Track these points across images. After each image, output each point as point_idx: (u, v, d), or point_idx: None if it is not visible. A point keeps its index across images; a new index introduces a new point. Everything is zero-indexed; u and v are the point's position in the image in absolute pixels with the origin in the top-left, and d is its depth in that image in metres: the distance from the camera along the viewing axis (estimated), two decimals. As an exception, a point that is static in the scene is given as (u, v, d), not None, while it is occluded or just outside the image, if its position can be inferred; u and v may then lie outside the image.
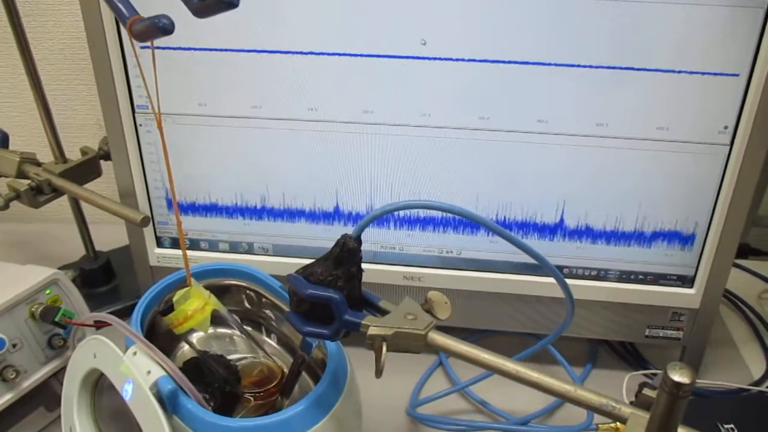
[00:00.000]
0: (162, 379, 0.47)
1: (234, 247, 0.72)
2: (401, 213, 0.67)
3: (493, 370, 0.41)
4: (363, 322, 0.43)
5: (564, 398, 0.39)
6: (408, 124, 0.63)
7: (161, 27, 0.37)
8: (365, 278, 0.45)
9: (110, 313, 0.76)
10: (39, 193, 0.72)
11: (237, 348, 0.61)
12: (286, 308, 0.56)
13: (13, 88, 0.96)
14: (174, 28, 0.38)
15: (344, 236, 0.44)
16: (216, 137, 0.66)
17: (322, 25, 0.59)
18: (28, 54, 0.71)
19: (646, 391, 0.38)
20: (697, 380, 0.37)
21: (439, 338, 0.42)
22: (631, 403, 0.39)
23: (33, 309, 0.60)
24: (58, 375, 0.62)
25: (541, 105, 0.60)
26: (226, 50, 0.61)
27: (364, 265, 0.45)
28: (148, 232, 0.71)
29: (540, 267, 0.45)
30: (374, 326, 0.42)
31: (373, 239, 0.69)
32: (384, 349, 0.42)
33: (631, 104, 0.59)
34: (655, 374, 0.71)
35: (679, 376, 0.33)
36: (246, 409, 0.55)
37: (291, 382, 0.54)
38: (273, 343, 0.62)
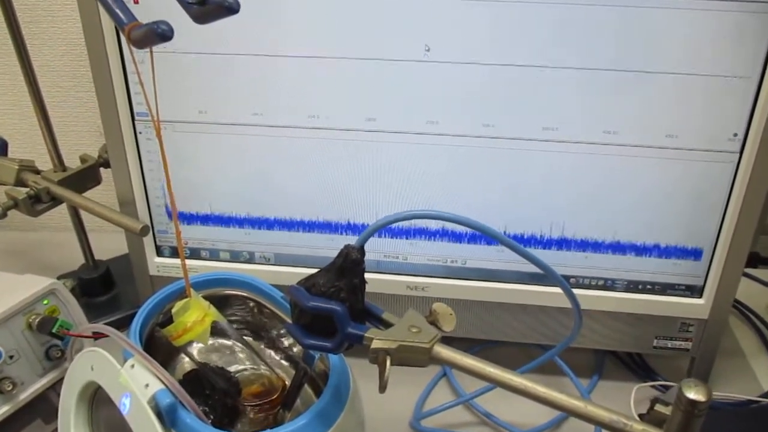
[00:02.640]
0: (160, 392, 0.46)
1: (235, 257, 0.71)
2: (406, 222, 0.66)
3: (500, 384, 0.40)
4: (366, 335, 0.42)
5: (574, 414, 0.38)
6: (412, 131, 0.62)
7: (160, 33, 0.37)
8: (368, 287, 0.45)
9: (110, 323, 0.75)
10: (37, 202, 0.71)
11: (238, 360, 0.60)
12: (288, 319, 0.56)
13: (12, 96, 0.96)
14: (173, 34, 0.37)
15: (347, 247, 0.43)
16: (216, 145, 0.65)
17: (324, 31, 0.59)
18: (27, 61, 0.71)
19: (659, 407, 0.37)
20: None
21: (444, 352, 0.41)
22: (641, 417, 0.38)
23: (30, 320, 0.59)
24: (56, 387, 0.61)
25: (547, 112, 0.59)
26: (226, 55, 0.61)
27: (367, 275, 0.44)
28: (147, 242, 0.70)
29: (546, 277, 0.44)
30: (378, 339, 0.41)
31: (376, 248, 0.68)
32: (388, 363, 0.41)
33: (640, 111, 0.58)
34: (664, 386, 0.70)
35: (694, 393, 0.32)
36: (247, 423, 0.54)
37: (293, 395, 0.54)
38: (274, 354, 0.61)
